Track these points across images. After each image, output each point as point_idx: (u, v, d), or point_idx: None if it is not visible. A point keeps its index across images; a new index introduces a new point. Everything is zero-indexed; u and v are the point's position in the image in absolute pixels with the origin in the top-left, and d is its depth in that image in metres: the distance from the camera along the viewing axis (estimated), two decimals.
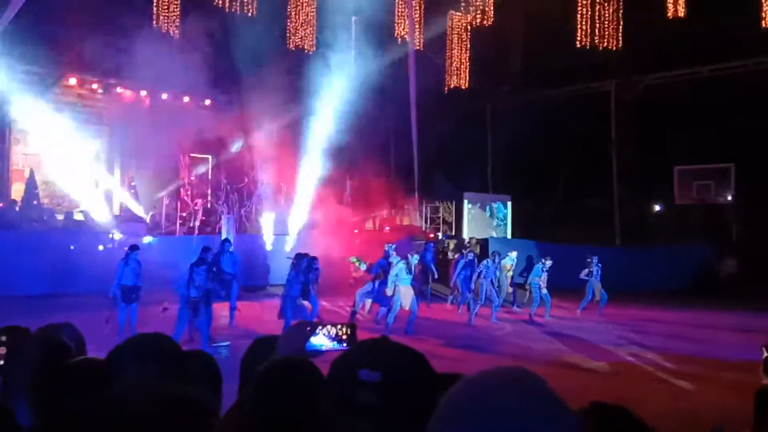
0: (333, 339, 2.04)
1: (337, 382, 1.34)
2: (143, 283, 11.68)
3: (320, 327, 2.06)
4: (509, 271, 16.85)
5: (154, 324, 9.97)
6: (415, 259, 13.15)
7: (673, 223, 25.53)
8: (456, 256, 17.37)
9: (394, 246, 13.84)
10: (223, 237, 16.14)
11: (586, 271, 15.82)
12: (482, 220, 24.68)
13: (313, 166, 20.15)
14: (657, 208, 27.66)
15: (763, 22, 18.53)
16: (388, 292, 12.72)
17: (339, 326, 2.07)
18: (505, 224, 25.17)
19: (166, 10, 17.67)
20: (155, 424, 1.20)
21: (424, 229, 23.43)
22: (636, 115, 24.62)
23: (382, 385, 1.28)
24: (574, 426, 1.00)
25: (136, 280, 11.53)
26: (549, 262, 15.40)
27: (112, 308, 11.40)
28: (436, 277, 17.13)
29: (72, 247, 15.31)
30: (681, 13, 18.89)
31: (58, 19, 16.98)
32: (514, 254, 17.12)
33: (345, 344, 2.04)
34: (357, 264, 15.01)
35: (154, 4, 17.47)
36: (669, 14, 19.24)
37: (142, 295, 11.69)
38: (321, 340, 2.04)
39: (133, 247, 11.96)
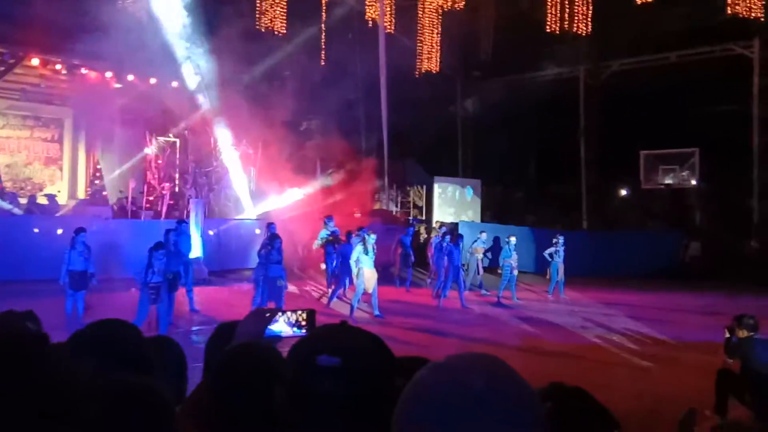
0: (293, 325, 2.03)
1: (295, 368, 1.32)
2: (94, 268, 11.03)
3: (280, 313, 2.05)
4: (480, 254, 16.94)
5: (112, 312, 9.78)
6: (372, 238, 12.86)
7: (639, 208, 25.92)
8: (432, 237, 17.42)
9: (359, 231, 13.93)
10: (192, 222, 15.99)
11: (552, 249, 16.04)
12: (452, 204, 24.80)
13: (281, 149, 19.99)
14: (624, 192, 28.06)
15: (729, 8, 18.79)
16: (354, 276, 12.77)
17: (298, 312, 2.06)
18: (475, 208, 25.33)
19: None
20: (104, 410, 1.18)
21: (394, 213, 23.47)
22: (604, 100, 24.87)
23: (341, 371, 1.26)
24: (540, 410, 1.02)
25: (85, 265, 10.79)
26: (513, 239, 15.59)
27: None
28: (413, 260, 17.21)
29: (36, 231, 14.95)
30: None
31: None
32: (484, 235, 17.19)
33: (305, 330, 2.03)
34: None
35: None
36: (637, 0, 19.40)
37: (97, 282, 11.05)
38: (281, 326, 2.03)
39: (79, 230, 11.08)
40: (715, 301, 14.83)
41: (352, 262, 12.77)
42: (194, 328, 11.02)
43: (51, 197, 18.45)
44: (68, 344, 1.84)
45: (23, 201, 18.02)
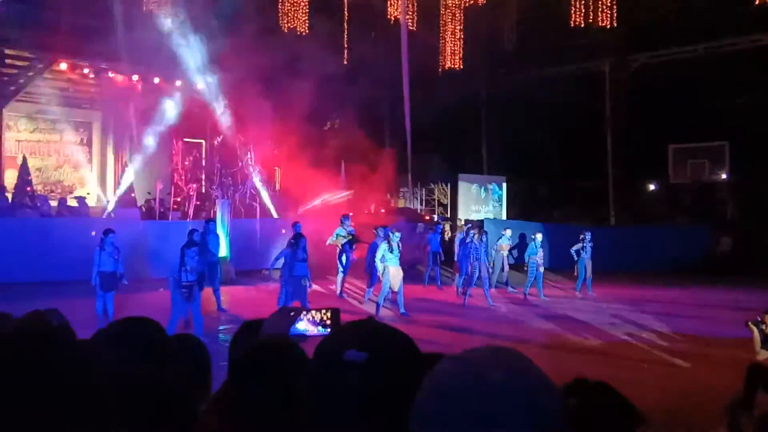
0: (317, 324, 2.03)
1: (321, 364, 1.31)
2: (124, 269, 11.18)
3: (304, 312, 2.05)
4: (506, 251, 16.82)
5: (142, 312, 9.85)
6: (397, 236, 12.88)
7: (668, 202, 25.57)
8: (456, 234, 17.35)
9: (384, 229, 13.97)
10: (218, 221, 16.12)
11: (579, 246, 15.88)
12: (477, 201, 24.69)
13: (305, 149, 20.07)
14: (652, 187, 27.70)
15: None
16: (379, 274, 12.78)
17: (323, 311, 2.06)
18: (501, 205, 25.18)
19: None
20: (126, 403, 1.19)
21: (419, 211, 23.44)
22: (630, 94, 24.56)
23: (367, 366, 1.25)
24: (559, 403, 1.01)
25: (115, 266, 10.92)
26: (539, 236, 15.46)
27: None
28: (442, 258, 17.20)
29: (93, 234, 15.14)
30: None
31: (47, 3, 16.82)
32: (508, 232, 17.06)
33: (329, 329, 2.03)
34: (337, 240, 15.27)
35: None
36: None
37: (127, 283, 11.19)
38: (305, 325, 2.03)
39: (108, 231, 11.20)
40: (746, 296, 14.55)
41: (377, 260, 12.78)
42: (221, 327, 11.11)
43: (81, 200, 18.74)
44: (92, 340, 1.86)
45: (54, 204, 18.33)
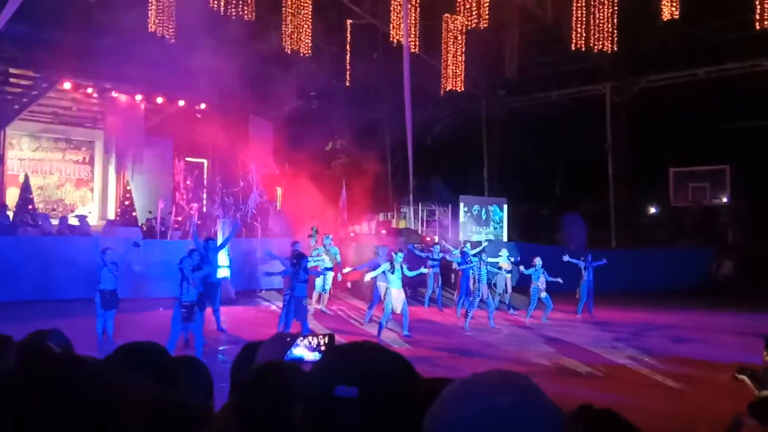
0: (314, 349, 2.03)
1: (311, 397, 1.26)
2: (119, 286, 11.12)
3: (300, 338, 2.05)
4: (506, 269, 16.70)
5: (141, 332, 9.83)
6: (399, 257, 12.81)
7: (669, 225, 25.57)
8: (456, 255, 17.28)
9: (384, 248, 13.98)
10: (219, 241, 16.09)
11: (579, 261, 15.89)
12: (478, 222, 24.67)
13: (308, 169, 20.14)
14: (652, 210, 27.71)
15: (758, 24, 18.56)
16: (381, 294, 12.75)
17: (319, 336, 2.06)
18: (501, 227, 25.17)
19: (162, 14, 17.63)
20: (145, 426, 1.18)
21: (420, 232, 23.43)
22: (631, 117, 24.68)
23: (359, 401, 1.20)
24: (565, 427, 1.03)
25: (116, 284, 10.96)
26: (538, 261, 15.31)
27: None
28: (441, 280, 17.14)
29: (66, 253, 15.17)
30: (675, 15, 18.90)
31: (53, 23, 16.96)
32: (504, 251, 17.01)
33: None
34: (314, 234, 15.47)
35: (150, 8, 17.42)
36: (664, 17, 19.26)
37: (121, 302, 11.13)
38: (301, 351, 2.03)
39: (105, 249, 11.24)
40: (748, 320, 14.50)
41: (377, 280, 12.74)
42: (221, 348, 11.06)
43: (82, 218, 18.73)
44: (102, 363, 1.86)
45: (55, 222, 18.33)
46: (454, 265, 16.66)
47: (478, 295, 13.96)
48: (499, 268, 16.20)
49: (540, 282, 15.13)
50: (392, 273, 12.47)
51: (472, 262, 14.47)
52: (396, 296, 12.43)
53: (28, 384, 1.15)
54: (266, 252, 13.52)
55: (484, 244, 16.76)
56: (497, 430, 0.96)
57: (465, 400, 1.00)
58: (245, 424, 1.68)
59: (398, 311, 12.47)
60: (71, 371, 1.21)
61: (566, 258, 15.86)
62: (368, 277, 12.86)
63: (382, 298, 12.81)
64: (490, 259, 14.84)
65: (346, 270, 15.20)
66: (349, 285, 17.11)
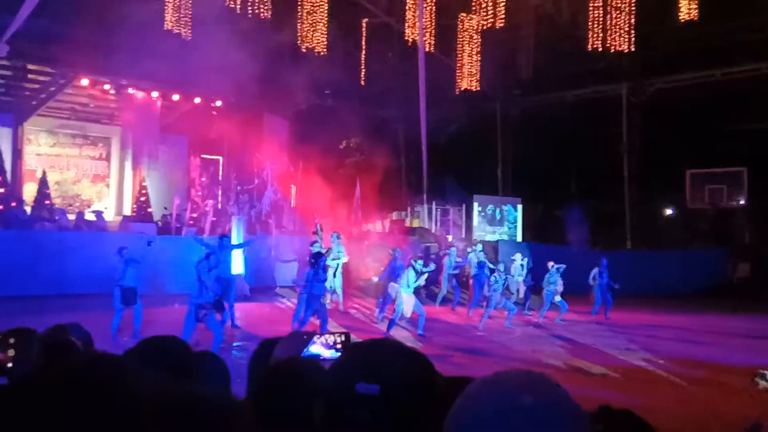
0: (330, 347, 2.04)
1: (332, 394, 1.27)
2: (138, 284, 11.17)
3: (317, 336, 2.07)
4: (519, 274, 16.74)
5: (159, 327, 9.92)
6: (419, 264, 12.92)
7: (685, 227, 25.39)
8: (469, 256, 17.27)
9: (399, 251, 14.02)
10: (233, 239, 16.15)
11: (596, 271, 15.81)
12: (492, 222, 24.63)
13: (323, 167, 20.16)
14: (669, 211, 27.51)
15: None
16: (393, 295, 12.79)
17: (336, 334, 2.07)
18: (515, 227, 25.11)
19: (178, 12, 17.71)
20: (171, 420, 1.20)
21: (433, 231, 23.41)
22: (647, 118, 24.51)
23: (381, 399, 1.20)
24: (587, 427, 1.03)
25: (137, 281, 11.01)
26: (552, 264, 15.32)
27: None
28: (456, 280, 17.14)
29: (83, 248, 15.29)
30: (693, 16, 18.76)
31: (70, 19, 17.10)
32: (518, 256, 17.03)
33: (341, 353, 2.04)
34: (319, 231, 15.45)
35: (166, 5, 17.51)
36: (681, 18, 19.13)
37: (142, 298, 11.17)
38: (318, 348, 2.04)
39: (122, 249, 11.25)
40: (764, 323, 14.39)
41: (391, 283, 12.79)
42: (235, 344, 11.11)
43: (98, 214, 18.89)
44: (123, 359, 1.88)
45: (71, 217, 18.50)
46: (468, 269, 16.69)
47: (493, 304, 13.97)
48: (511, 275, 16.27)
49: (557, 285, 15.11)
50: (415, 280, 12.59)
51: (488, 274, 14.50)
52: (406, 300, 12.52)
53: (57, 382, 1.17)
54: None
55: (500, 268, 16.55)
56: (521, 430, 0.96)
57: (488, 399, 1.00)
58: (265, 418, 1.69)
59: (408, 315, 12.60)
60: (98, 370, 1.23)
61: (592, 277, 15.76)
62: (393, 289, 12.87)
63: (394, 299, 12.86)
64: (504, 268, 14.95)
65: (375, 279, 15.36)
66: (361, 283, 17.17)
